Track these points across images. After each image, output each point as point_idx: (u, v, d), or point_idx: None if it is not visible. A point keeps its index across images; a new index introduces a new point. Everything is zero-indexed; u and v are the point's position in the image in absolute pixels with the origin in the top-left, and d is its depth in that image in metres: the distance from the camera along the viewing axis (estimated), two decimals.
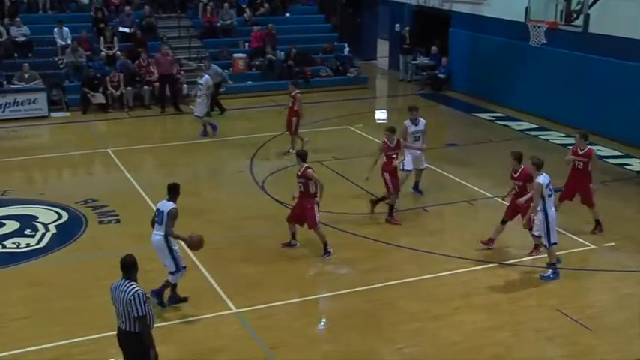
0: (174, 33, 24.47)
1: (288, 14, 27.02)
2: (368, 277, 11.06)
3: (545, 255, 11.33)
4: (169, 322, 9.52)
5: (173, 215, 9.62)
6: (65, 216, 13.25)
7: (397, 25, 27.30)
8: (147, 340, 7.15)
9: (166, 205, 9.74)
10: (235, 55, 24.09)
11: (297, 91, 17.19)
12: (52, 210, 13.45)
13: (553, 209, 10.99)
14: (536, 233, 11.25)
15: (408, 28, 26.00)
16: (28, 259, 11.58)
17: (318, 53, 25.73)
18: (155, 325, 9.35)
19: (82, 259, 11.68)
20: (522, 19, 18.92)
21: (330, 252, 11.69)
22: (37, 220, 12.99)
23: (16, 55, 21.80)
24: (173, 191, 9.81)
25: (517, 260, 11.63)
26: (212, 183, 15.94)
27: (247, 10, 26.01)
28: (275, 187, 14.85)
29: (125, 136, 18.76)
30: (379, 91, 26.62)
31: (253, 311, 9.98)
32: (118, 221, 13.08)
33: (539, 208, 10.81)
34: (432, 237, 12.68)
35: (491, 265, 11.51)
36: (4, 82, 20.34)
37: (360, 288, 10.74)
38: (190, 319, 9.66)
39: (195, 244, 9.82)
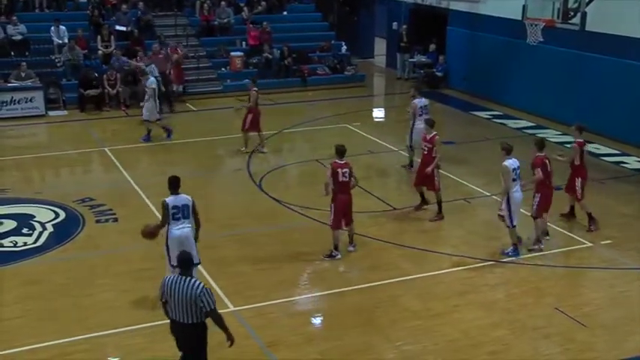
0: (171, 31, 24.43)
1: (285, 12, 27.00)
2: (367, 275, 11.07)
3: (540, 253, 11.55)
4: (167, 321, 9.48)
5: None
6: (62, 215, 13.23)
7: (394, 24, 27.29)
8: (223, 325, 7.49)
9: (185, 199, 9.82)
10: (233, 53, 24.06)
11: (255, 88, 17.04)
12: (49, 209, 13.43)
13: (519, 193, 11.38)
14: (501, 213, 11.61)
15: (405, 26, 25.98)
16: (25, 258, 11.56)
17: (316, 52, 25.71)
18: (153, 323, 9.44)
19: (79, 258, 11.66)
20: (519, 17, 18.94)
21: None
22: (34, 219, 12.96)
23: (12, 53, 21.75)
24: (178, 184, 9.88)
25: (514, 258, 11.62)
26: (209, 181, 15.91)
27: (245, 8, 25.98)
28: (272, 186, 14.84)
29: (122, 134, 18.72)
30: (376, 90, 26.61)
31: (251, 310, 9.97)
32: (115, 220, 13.06)
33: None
34: (429, 235, 12.68)
35: (488, 263, 11.51)
36: (1, 81, 20.27)
37: (359, 286, 10.74)
38: None
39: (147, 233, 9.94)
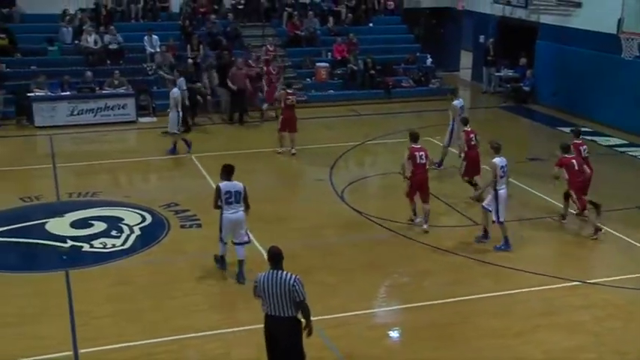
0: (259, 41, 24.85)
1: (371, 24, 27.06)
2: (445, 291, 10.94)
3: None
4: (247, 327, 9.63)
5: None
6: (149, 219, 13.60)
7: (481, 37, 26.96)
8: (310, 316, 7.77)
9: (237, 185, 10.81)
10: (318, 64, 24.28)
11: (283, 88, 18.29)
12: (137, 212, 13.82)
13: (504, 190, 12.09)
14: (487, 207, 12.28)
15: (492, 40, 25.64)
16: (114, 259, 11.93)
17: (400, 64, 25.65)
18: (234, 329, 9.61)
19: (164, 261, 11.97)
20: (614, 31, 18.40)
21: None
22: (123, 222, 13.37)
23: (108, 62, 22.59)
24: (231, 171, 10.89)
25: (601, 280, 11.27)
26: (292, 191, 16.07)
27: (331, 19, 26.20)
28: (354, 197, 14.86)
29: (208, 141, 19.13)
30: None
31: (329, 320, 9.99)
32: (199, 226, 13.34)
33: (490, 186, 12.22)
34: (511, 252, 12.40)
35: (573, 283, 11.19)
36: (97, 88, 21.08)
37: (438, 301, 10.62)
38: (256, 327, 9.69)
39: None
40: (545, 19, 23.44)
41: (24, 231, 13.05)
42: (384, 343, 9.71)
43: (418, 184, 13.02)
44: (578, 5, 21.82)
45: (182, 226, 13.28)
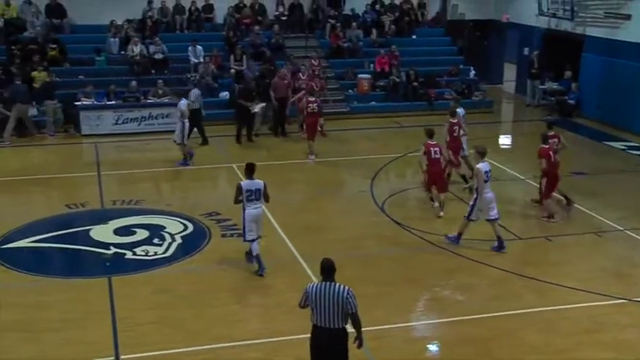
0: (302, 52, 24.97)
1: (414, 36, 27.00)
2: (487, 305, 10.81)
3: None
4: (286, 338, 9.65)
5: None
6: (190, 227, 13.72)
7: (526, 49, 26.72)
8: (361, 327, 7.82)
9: (258, 184, 11.48)
10: (360, 75, 24.29)
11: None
12: (179, 221, 13.96)
13: (490, 194, 12.57)
14: (471, 214, 12.76)
15: (536, 52, 25.37)
16: (156, 267, 12.05)
17: (443, 76, 25.54)
18: (273, 339, 9.63)
19: (204, 270, 12.05)
20: None
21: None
22: (165, 230, 13.51)
23: (153, 71, 22.92)
24: (253, 170, 11.55)
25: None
26: (333, 201, 16.06)
27: (374, 31, 26.22)
28: (395, 209, 14.81)
29: (249, 152, 19.24)
30: (504, 116, 26.06)
31: (368, 332, 9.84)
32: (239, 235, 13.36)
33: (475, 188, 12.77)
34: (555, 268, 12.22)
35: (620, 301, 10.95)
36: (141, 98, 21.40)
37: (478, 316, 10.50)
38: (302, 336, 9.67)
39: None
40: (592, 31, 23.12)
41: (69, 237, 13.28)
42: (423, 357, 9.64)
43: (434, 177, 14.35)
44: (628, 17, 21.46)
45: (223, 236, 13.36)
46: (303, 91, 20.44)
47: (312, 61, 23.02)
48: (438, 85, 24.92)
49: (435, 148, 14.19)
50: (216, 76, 23.17)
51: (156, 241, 13.01)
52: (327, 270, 7.80)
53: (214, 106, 22.48)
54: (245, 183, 11.51)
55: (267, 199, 11.68)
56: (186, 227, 13.69)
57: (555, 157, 14.14)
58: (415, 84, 24.17)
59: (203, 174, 17.70)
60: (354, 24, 25.66)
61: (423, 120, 22.89)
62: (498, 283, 11.59)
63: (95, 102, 20.88)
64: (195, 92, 19.40)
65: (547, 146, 14.08)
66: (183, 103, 17.73)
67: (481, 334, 10.00)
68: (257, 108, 20.08)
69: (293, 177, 17.24)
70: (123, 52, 23.39)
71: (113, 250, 12.60)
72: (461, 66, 26.07)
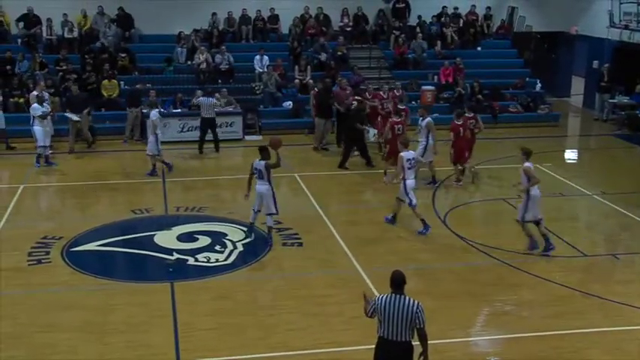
0: (365, 63, 25.01)
1: (479, 48, 26.75)
2: (550, 323, 10.57)
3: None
4: (345, 349, 9.64)
5: (268, 168, 12.97)
6: (252, 235, 13.85)
7: (595, 62, 26.17)
8: (427, 343, 7.74)
9: (261, 164, 13.00)
10: (424, 87, 24.17)
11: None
12: (240, 229, 14.09)
13: (411, 180, 13.76)
14: (400, 197, 13.98)
15: (607, 65, 24.81)
16: (217, 273, 12.19)
17: (508, 88, 25.19)
18: (328, 350, 9.62)
19: (264, 278, 12.16)
20: None
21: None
22: (227, 238, 13.66)
23: (219, 81, 23.28)
24: (265, 152, 13.06)
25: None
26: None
27: (438, 42, 26.07)
28: (456, 222, 14.65)
29: (312, 161, 19.34)
30: (571, 130, 25.54)
31: (428, 345, 9.83)
32: (300, 244, 13.47)
33: (400, 177, 13.78)
34: (622, 287, 11.88)
35: None
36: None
37: (540, 333, 10.27)
38: (361, 347, 9.67)
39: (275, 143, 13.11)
40: None
41: (134, 242, 13.56)
42: None
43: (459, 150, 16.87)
44: None
45: (284, 244, 13.43)
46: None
47: (395, 92, 21.31)
48: (502, 98, 24.61)
49: (471, 121, 17.20)
50: (280, 86, 23.41)
51: (217, 248, 13.17)
52: (398, 282, 7.77)
53: (278, 116, 22.78)
54: (255, 163, 13.21)
55: (269, 178, 13.15)
56: (247, 235, 13.83)
57: (466, 134, 16.97)
58: (479, 96, 23.91)
59: None
60: (418, 35, 25.58)
61: (486, 133, 22.66)
62: (562, 301, 11.33)
63: (162, 110, 21.30)
64: (209, 101, 19.67)
65: (459, 123, 16.86)
66: (154, 114, 17.76)
67: (544, 352, 9.77)
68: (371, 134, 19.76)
69: (355, 188, 17.23)
70: (190, 62, 23.85)
71: (176, 256, 12.81)
72: (527, 79, 25.68)
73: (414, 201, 13.79)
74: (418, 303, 7.60)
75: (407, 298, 7.64)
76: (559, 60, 29.32)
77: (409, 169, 13.73)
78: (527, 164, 12.99)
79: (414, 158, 13.94)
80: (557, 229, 13.83)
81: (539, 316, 10.89)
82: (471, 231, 14.20)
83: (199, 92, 20.56)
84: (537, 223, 12.88)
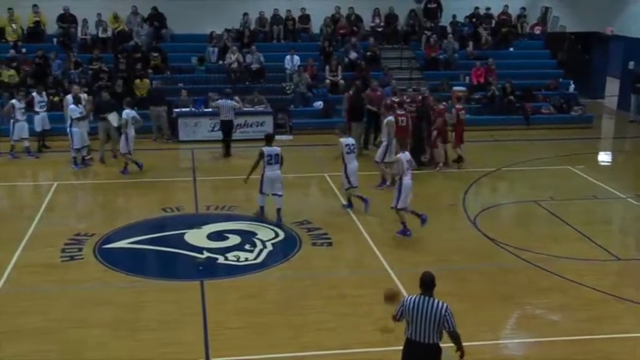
0: (396, 64, 24.93)
1: (511, 49, 26.52)
2: (582, 327, 10.44)
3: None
4: (375, 349, 9.63)
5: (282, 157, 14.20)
6: (281, 235, 13.86)
7: (631, 63, 25.80)
8: (461, 341, 7.73)
9: (276, 149, 14.18)
10: (455, 87, 24.01)
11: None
12: (270, 228, 14.14)
13: (353, 164, 14.89)
14: (343, 182, 15.05)
15: None
16: (246, 272, 12.23)
17: (541, 89, 24.94)
18: (358, 350, 9.60)
19: (293, 277, 12.16)
20: None
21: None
22: (256, 237, 13.70)
23: (247, 82, 23.36)
24: (272, 138, 14.49)
25: None
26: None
27: (470, 43, 25.90)
28: (487, 224, 14.53)
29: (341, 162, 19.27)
30: (605, 132, 25.21)
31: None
32: (330, 244, 13.47)
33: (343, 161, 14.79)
34: None
35: None
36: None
37: (572, 337, 10.16)
38: (390, 348, 9.63)
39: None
40: None
41: (165, 240, 13.68)
42: None
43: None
44: None
45: (313, 244, 13.44)
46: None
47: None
48: (535, 99, 24.36)
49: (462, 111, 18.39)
50: (311, 86, 23.43)
51: (247, 247, 13.21)
52: (428, 284, 7.74)
53: (308, 116, 22.80)
54: (267, 149, 14.01)
55: (281, 164, 14.20)
56: (277, 234, 13.85)
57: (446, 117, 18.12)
58: (511, 98, 23.70)
59: (295, 182, 17.83)
60: (449, 35, 25.44)
61: (518, 134, 22.54)
62: (594, 305, 11.18)
63: (193, 109, 21.47)
64: (227, 103, 19.67)
65: (442, 107, 18.16)
66: (126, 112, 17.84)
67: (576, 357, 9.66)
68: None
69: (386, 189, 17.14)
70: (221, 62, 23.98)
71: (206, 254, 12.88)
72: (560, 80, 25.39)
73: (354, 182, 14.95)
74: (447, 306, 7.54)
75: (436, 300, 7.60)
76: (593, 61, 28.96)
77: (348, 153, 14.82)
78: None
79: (354, 144, 15.18)
80: (590, 232, 13.69)
81: (570, 320, 10.75)
82: (502, 233, 14.08)
83: (215, 95, 20.81)
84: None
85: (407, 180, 13.56)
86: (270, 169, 14.06)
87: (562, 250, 13.00)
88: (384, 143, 16.72)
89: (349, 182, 14.96)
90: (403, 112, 17.83)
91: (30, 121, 19.52)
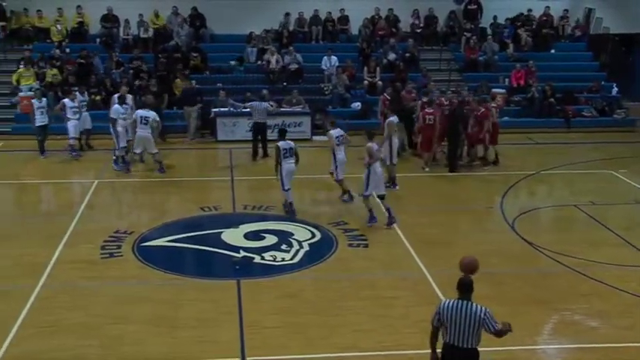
0: (435, 65, 24.81)
1: (552, 51, 26.20)
2: (622, 334, 10.26)
3: None
4: (411, 352, 9.58)
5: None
6: (318, 235, 13.89)
7: None
8: (504, 334, 7.71)
9: (290, 143, 14.78)
10: (494, 89, 23.80)
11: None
12: (307, 228, 14.17)
13: (342, 155, 15.47)
14: (330, 170, 15.74)
15: None
16: (282, 272, 12.28)
17: (583, 92, 24.58)
18: (394, 353, 9.56)
19: (329, 278, 12.15)
20: None
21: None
22: (293, 237, 13.75)
23: (284, 83, 23.43)
24: (284, 133, 15.18)
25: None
26: (461, 216, 15.78)
27: (510, 45, 25.65)
28: (525, 227, 14.38)
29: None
30: None
31: (494, 351, 9.66)
32: (366, 246, 13.45)
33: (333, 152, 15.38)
34: None
35: None
36: (275, 105, 21.87)
37: (614, 345, 9.99)
38: (427, 351, 9.58)
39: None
40: None
41: (202, 239, 13.78)
42: None
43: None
44: None
45: (349, 245, 13.44)
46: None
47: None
48: (576, 102, 24.03)
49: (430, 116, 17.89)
50: (349, 87, 23.44)
51: (284, 247, 13.26)
52: (465, 288, 7.69)
53: (346, 117, 22.75)
54: (281, 143, 14.63)
55: (297, 159, 14.83)
56: (313, 235, 13.88)
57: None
58: (552, 100, 23.40)
59: (332, 183, 17.82)
60: (489, 37, 25.22)
61: (558, 137, 22.24)
62: (636, 311, 10.99)
63: (231, 109, 21.60)
64: (261, 105, 19.57)
65: (485, 110, 18.38)
66: (115, 109, 18.09)
67: None
68: None
69: (420, 191, 17.09)
70: (260, 62, 24.11)
71: (243, 253, 12.96)
72: (602, 82, 25.02)
73: (341, 175, 15.54)
74: (485, 309, 7.47)
75: (473, 304, 7.53)
76: (637, 63, 28.44)
77: (337, 145, 15.42)
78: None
79: (342, 135, 15.69)
80: (632, 237, 13.45)
81: (611, 326, 10.58)
82: (541, 236, 13.92)
83: (249, 94, 20.78)
84: (381, 198, 14.38)
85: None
86: (286, 162, 14.62)
87: (602, 255, 12.80)
88: (385, 143, 16.52)
89: (337, 174, 15.57)
90: (431, 111, 17.98)
91: None
